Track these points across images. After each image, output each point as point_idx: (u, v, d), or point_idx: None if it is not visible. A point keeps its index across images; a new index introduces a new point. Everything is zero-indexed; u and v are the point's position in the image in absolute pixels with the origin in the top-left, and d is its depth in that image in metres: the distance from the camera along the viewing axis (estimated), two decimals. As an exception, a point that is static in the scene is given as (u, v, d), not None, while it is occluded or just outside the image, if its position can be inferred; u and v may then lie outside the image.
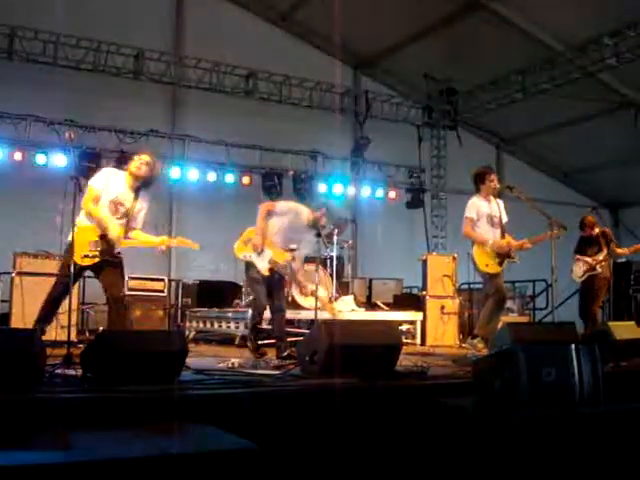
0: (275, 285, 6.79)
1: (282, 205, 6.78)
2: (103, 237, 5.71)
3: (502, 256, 7.20)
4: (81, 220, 5.70)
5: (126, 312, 6.19)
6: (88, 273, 6.07)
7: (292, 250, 6.69)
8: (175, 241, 6.12)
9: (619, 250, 9.37)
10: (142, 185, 5.99)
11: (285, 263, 6.69)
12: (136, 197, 5.94)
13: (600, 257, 9.11)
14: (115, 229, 5.74)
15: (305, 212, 6.84)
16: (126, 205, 5.89)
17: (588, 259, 9.16)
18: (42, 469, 2.67)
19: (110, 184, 5.85)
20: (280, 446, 3.80)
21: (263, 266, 6.65)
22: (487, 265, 7.21)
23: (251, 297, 6.76)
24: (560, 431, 3.80)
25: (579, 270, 9.23)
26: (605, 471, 3.82)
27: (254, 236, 6.57)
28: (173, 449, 3.04)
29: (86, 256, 5.61)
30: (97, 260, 5.69)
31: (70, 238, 5.57)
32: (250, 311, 6.95)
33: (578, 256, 9.27)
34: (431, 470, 3.98)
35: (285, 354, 6.40)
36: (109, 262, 5.74)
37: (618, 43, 11.65)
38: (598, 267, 9.12)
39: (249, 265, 6.71)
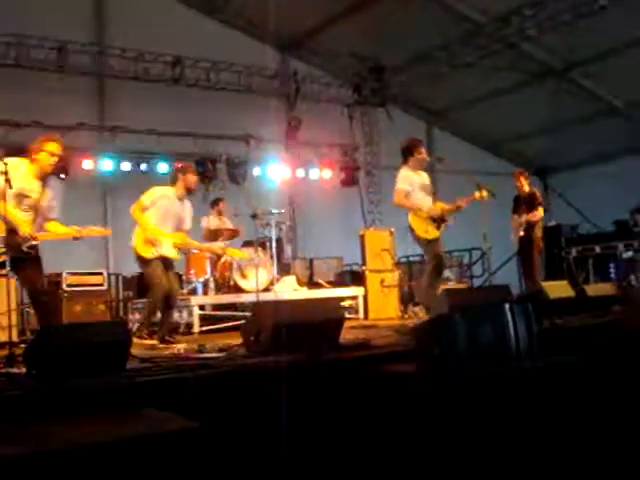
0: (170, 268, 6.86)
1: (147, 197, 6.82)
2: (11, 231, 5.43)
3: (438, 220, 7.41)
4: None
5: (50, 304, 6.01)
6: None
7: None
8: (85, 232, 5.82)
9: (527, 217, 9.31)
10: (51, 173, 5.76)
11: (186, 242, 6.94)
12: (44, 186, 5.66)
13: (522, 219, 9.31)
14: (26, 227, 5.47)
15: (167, 191, 6.93)
16: (32, 197, 5.60)
17: (514, 222, 9.39)
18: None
19: (13, 176, 5.30)
20: (229, 425, 3.86)
21: (171, 252, 6.77)
22: (426, 231, 7.41)
23: (153, 287, 6.70)
24: (497, 386, 3.95)
25: (512, 233, 9.46)
26: (540, 422, 3.99)
27: (146, 234, 6.62)
28: (122, 434, 3.07)
29: None
30: (4, 257, 5.35)
31: None
32: (151, 300, 6.83)
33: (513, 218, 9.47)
34: (378, 436, 4.09)
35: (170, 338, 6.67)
36: (22, 259, 5.46)
37: (538, 13, 11.92)
38: (520, 230, 9.30)
39: (145, 259, 6.67)
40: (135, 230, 6.76)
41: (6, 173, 5.11)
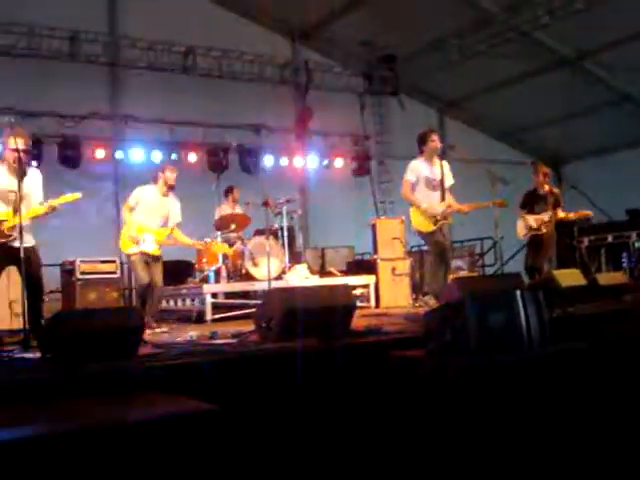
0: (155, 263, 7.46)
1: (132, 198, 7.47)
2: None
3: (436, 218, 7.49)
4: None
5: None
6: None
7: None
8: (56, 202, 5.97)
9: (562, 215, 9.31)
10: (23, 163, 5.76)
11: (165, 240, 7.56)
12: (22, 178, 5.68)
13: (545, 218, 9.14)
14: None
15: (150, 190, 7.54)
16: (15, 190, 5.62)
17: (531, 219, 9.18)
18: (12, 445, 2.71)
19: None
20: (243, 409, 3.89)
21: (152, 248, 7.35)
22: (421, 224, 7.51)
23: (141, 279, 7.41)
24: (508, 373, 3.97)
25: (522, 229, 9.29)
26: (551, 408, 4.01)
27: (130, 232, 7.31)
28: (138, 417, 3.11)
29: None
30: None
31: None
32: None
33: (523, 214, 9.31)
34: (389, 421, 4.12)
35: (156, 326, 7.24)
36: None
37: (551, 1, 11.87)
38: (542, 227, 9.19)
39: (127, 255, 7.48)
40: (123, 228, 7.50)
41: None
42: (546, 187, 9.30)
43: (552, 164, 17.26)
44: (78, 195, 6.18)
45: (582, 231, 12.41)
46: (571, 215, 9.46)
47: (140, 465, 2.93)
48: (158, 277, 7.42)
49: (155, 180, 7.57)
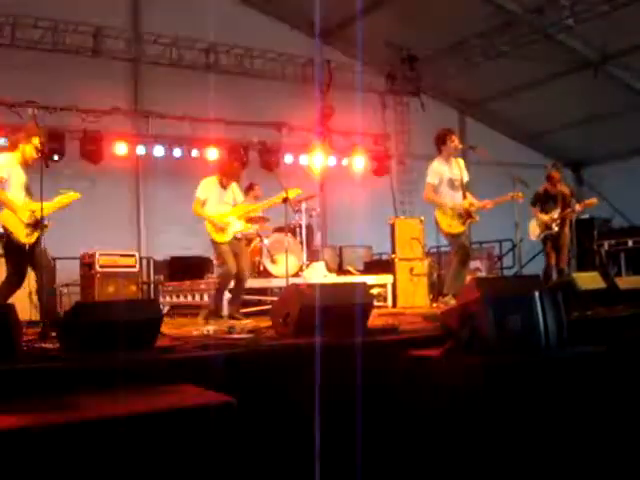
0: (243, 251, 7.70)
1: (201, 193, 7.58)
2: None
3: (463, 217, 7.43)
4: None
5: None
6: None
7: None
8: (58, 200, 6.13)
9: (577, 207, 9.41)
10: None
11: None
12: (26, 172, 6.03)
13: (555, 215, 9.22)
14: (24, 212, 5.86)
15: (213, 180, 7.71)
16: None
17: (544, 217, 9.24)
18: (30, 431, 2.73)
19: (13, 170, 5.91)
20: (258, 403, 3.90)
21: (240, 226, 7.63)
22: (450, 225, 7.48)
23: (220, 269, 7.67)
24: (525, 373, 3.95)
25: (535, 229, 9.34)
26: (567, 410, 3.98)
27: (216, 223, 7.42)
28: (156, 406, 3.12)
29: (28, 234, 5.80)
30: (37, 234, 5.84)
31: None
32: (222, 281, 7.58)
33: (535, 212, 9.34)
34: (404, 419, 4.11)
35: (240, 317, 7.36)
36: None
37: (575, 3, 11.80)
38: (554, 226, 9.23)
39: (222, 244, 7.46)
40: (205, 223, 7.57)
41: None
42: (557, 187, 9.33)
43: (573, 167, 17.19)
44: (76, 195, 6.26)
45: (602, 235, 12.34)
46: (577, 207, 9.39)
47: (162, 454, 2.95)
48: (245, 264, 7.66)
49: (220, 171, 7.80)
